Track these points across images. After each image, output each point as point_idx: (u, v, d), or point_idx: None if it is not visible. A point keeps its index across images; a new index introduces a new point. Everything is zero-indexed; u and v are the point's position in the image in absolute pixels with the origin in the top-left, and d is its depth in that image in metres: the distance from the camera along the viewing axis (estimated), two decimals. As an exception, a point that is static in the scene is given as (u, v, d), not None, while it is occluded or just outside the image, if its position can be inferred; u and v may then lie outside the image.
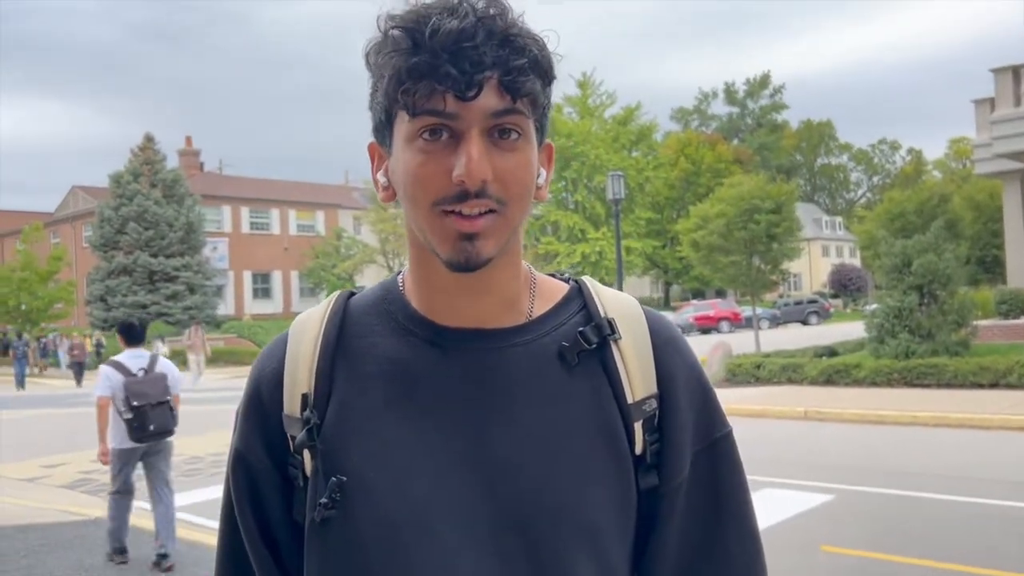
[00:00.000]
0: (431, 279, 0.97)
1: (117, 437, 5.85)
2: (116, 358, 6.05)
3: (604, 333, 0.98)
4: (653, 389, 0.98)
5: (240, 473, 1.01)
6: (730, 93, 79.58)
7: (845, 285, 52.97)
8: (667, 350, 1.01)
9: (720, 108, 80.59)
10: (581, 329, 0.98)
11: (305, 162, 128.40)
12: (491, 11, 0.86)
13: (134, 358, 5.98)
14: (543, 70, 0.90)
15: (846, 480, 8.08)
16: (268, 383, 1.00)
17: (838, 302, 52.37)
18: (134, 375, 5.81)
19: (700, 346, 24.40)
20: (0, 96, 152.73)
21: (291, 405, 0.97)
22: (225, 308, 47.15)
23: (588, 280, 1.05)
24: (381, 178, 0.97)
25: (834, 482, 7.99)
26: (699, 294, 57.97)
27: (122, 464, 5.94)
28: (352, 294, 1.05)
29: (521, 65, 0.86)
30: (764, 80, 78.77)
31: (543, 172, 0.97)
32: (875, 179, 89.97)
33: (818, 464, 8.97)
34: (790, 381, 15.74)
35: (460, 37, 0.84)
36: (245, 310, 49.39)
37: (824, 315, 43.03)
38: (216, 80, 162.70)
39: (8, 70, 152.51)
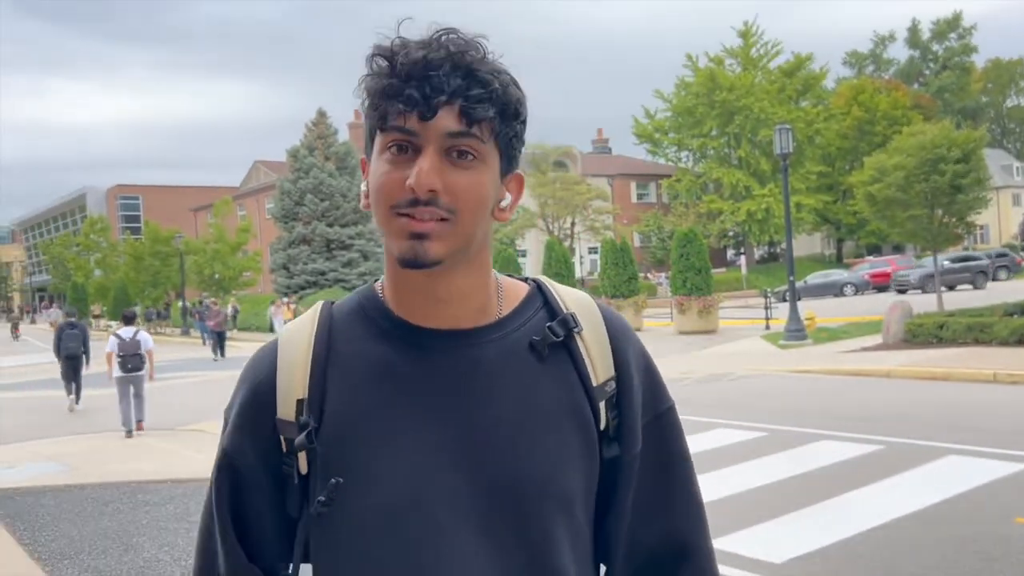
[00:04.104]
0: (405, 285, 1.07)
1: (117, 371, 11.53)
2: (118, 331, 11.94)
3: (570, 327, 1.11)
4: (612, 372, 1.12)
5: (224, 473, 1.11)
6: (914, 35, 74.17)
7: (1041, 237, 48.83)
8: (621, 338, 1.15)
9: (898, 52, 75.45)
10: (549, 324, 1.11)
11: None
12: (462, 49, 0.99)
13: (127, 331, 11.86)
14: (503, 103, 1.01)
15: (1041, 446, 7.60)
16: (261, 389, 1.09)
17: (1032, 255, 48.35)
18: (124, 340, 11.65)
19: (876, 305, 23.33)
20: (187, 82, 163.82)
21: (285, 409, 1.07)
22: (395, 274, 49.04)
23: (545, 279, 1.18)
24: (363, 186, 1.08)
25: (1027, 448, 7.54)
26: (875, 250, 55.01)
27: (120, 385, 11.51)
28: (332, 303, 1.16)
29: (479, 95, 0.98)
30: (955, 20, 72.98)
31: (508, 197, 1.09)
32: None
33: (1011, 431, 8.46)
34: (976, 342, 14.83)
35: (428, 66, 0.98)
36: (414, 275, 51.22)
37: (1015, 270, 39.85)
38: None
39: (189, 56, 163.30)
